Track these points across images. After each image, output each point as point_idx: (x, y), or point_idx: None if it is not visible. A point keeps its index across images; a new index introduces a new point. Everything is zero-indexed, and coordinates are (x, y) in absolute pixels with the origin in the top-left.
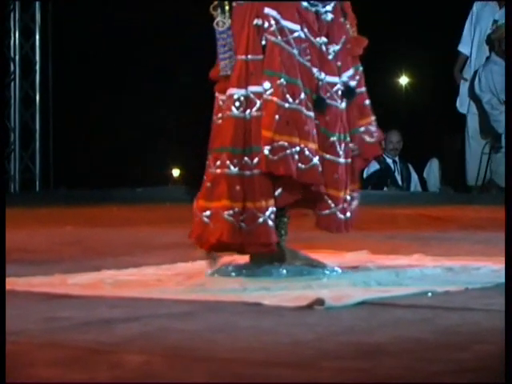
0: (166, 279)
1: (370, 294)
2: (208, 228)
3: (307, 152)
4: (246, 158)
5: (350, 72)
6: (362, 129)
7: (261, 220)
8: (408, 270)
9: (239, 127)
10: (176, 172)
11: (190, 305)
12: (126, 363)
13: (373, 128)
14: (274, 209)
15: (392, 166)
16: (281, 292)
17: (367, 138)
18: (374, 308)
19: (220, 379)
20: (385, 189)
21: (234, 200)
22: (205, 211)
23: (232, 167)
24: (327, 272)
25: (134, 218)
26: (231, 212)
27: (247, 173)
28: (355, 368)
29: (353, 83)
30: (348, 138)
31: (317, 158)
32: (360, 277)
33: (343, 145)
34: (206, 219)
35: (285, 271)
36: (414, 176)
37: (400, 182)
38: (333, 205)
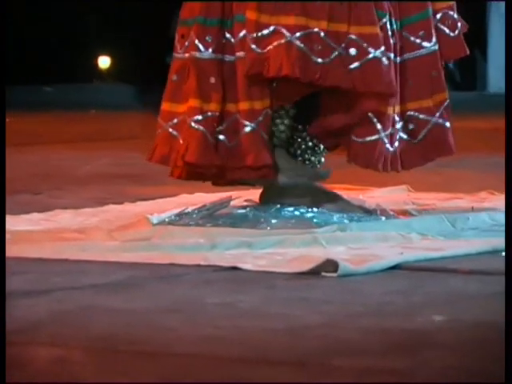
0: (90, 229)
1: (410, 253)
2: (176, 144)
3: (325, 37)
4: (226, 34)
5: None
6: (439, 15)
7: (247, 130)
8: (470, 216)
9: None
10: (104, 61)
11: (129, 270)
12: (30, 361)
13: (454, 14)
14: (269, 112)
15: None
16: (270, 250)
17: (446, 30)
18: (415, 275)
19: None
20: None
21: (205, 99)
22: (171, 119)
23: (202, 48)
24: (346, 219)
25: (42, 135)
26: (199, 117)
27: (228, 58)
28: (385, 369)
29: None
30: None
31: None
32: (395, 226)
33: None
34: (172, 131)
35: (275, 220)
36: (492, 70)
37: (458, 78)
38: (379, 127)
